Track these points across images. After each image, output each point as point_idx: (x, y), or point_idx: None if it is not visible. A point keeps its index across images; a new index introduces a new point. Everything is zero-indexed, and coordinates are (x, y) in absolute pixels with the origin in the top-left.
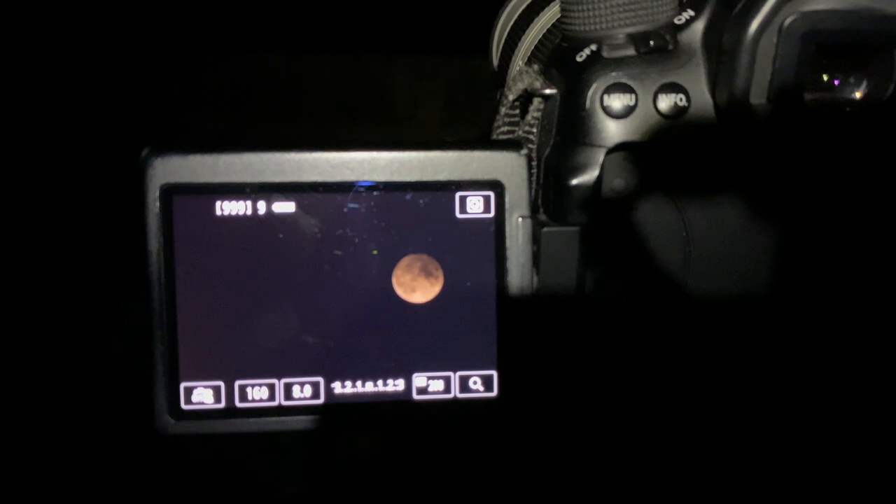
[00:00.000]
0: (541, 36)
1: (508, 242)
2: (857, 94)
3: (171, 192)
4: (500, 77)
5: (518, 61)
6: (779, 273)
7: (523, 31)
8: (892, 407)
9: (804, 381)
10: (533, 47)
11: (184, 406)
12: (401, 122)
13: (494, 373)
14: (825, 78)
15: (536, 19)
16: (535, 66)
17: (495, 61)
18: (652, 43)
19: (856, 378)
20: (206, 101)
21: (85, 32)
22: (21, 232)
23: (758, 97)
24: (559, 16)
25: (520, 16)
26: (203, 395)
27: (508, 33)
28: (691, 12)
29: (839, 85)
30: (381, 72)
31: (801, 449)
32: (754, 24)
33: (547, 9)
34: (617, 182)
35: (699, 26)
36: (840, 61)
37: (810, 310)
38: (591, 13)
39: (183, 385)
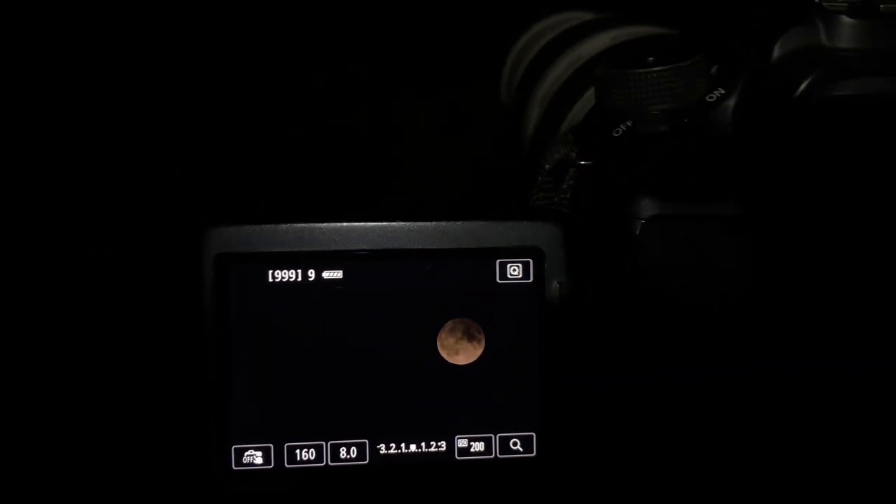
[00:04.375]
0: (560, 83)
1: (547, 307)
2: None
3: (225, 260)
4: (513, 113)
5: (535, 107)
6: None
7: (540, 75)
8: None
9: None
10: (552, 95)
11: (234, 467)
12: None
13: (534, 434)
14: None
15: (554, 64)
16: (570, 136)
17: (506, 97)
18: (685, 120)
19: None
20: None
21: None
22: (77, 293)
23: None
24: (577, 64)
25: (535, 57)
26: (253, 457)
27: (524, 73)
28: (722, 90)
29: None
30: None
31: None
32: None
33: (564, 55)
34: (653, 252)
35: (730, 104)
36: (865, 137)
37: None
38: (627, 90)
39: (234, 447)
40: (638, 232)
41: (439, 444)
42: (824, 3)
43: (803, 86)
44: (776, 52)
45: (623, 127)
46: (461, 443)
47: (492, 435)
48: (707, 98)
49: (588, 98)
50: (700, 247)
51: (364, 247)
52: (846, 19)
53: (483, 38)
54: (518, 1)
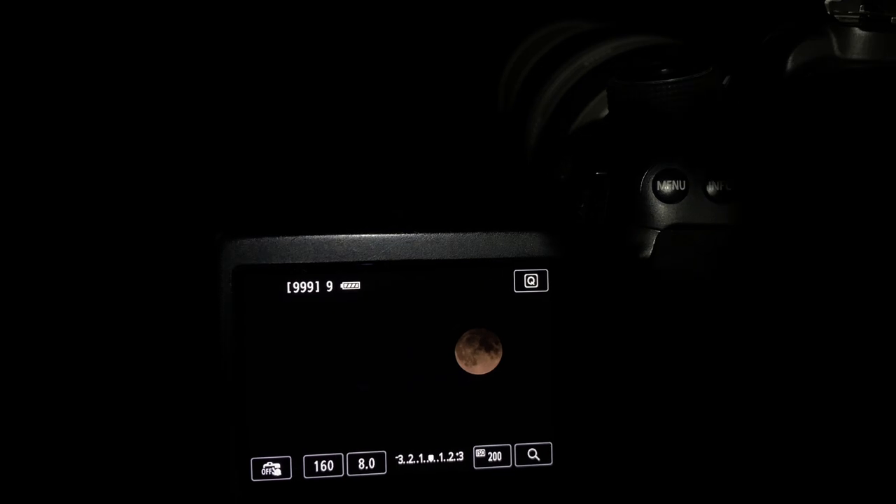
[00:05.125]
0: (563, 93)
1: (564, 316)
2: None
3: (242, 272)
4: (511, 121)
5: (538, 116)
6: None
7: (541, 84)
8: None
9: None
10: (555, 105)
11: (253, 479)
12: None
13: (551, 443)
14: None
15: (556, 74)
16: (582, 147)
17: (504, 105)
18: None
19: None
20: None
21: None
22: (93, 307)
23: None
24: (579, 74)
25: (535, 66)
26: (272, 469)
27: (524, 82)
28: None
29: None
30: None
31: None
32: None
33: (565, 65)
34: (668, 261)
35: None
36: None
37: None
38: (642, 101)
39: (253, 459)
40: (654, 241)
41: (457, 454)
42: (836, 16)
43: (816, 96)
44: (790, 64)
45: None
46: (479, 453)
47: (509, 445)
48: None
49: (592, 108)
50: (715, 256)
51: (382, 258)
52: (858, 32)
53: (481, 45)
54: (516, 9)
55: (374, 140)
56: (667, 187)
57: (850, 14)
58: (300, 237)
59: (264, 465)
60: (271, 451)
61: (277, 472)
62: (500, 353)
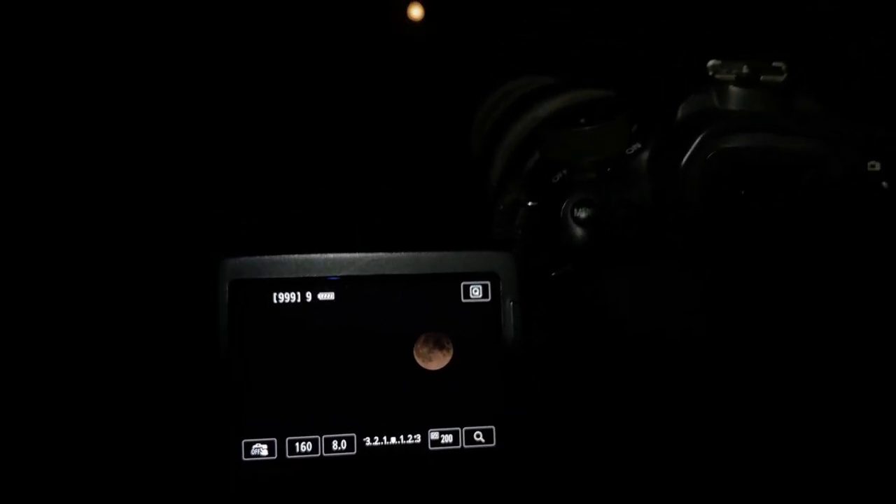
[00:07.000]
0: (520, 140)
1: (503, 321)
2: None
3: (237, 285)
4: (480, 165)
5: (500, 160)
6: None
7: (503, 133)
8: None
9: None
10: (513, 149)
11: (244, 458)
12: None
13: (493, 427)
14: (742, 192)
15: (516, 123)
16: (520, 183)
17: (476, 151)
18: (609, 169)
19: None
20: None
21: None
22: (111, 315)
23: (690, 208)
24: (534, 124)
25: (499, 118)
26: (260, 449)
27: (490, 130)
28: (639, 145)
29: (749, 197)
30: None
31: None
32: (685, 158)
33: (523, 116)
34: (586, 272)
35: (645, 156)
36: (749, 180)
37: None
38: (564, 145)
39: (244, 441)
40: (573, 258)
41: (415, 436)
42: (716, 76)
43: (699, 139)
44: (679, 114)
45: (560, 175)
46: (433, 435)
47: (459, 428)
48: (627, 151)
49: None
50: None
51: (352, 273)
52: (733, 88)
53: (455, 99)
54: (483, 68)
55: (350, 180)
56: (582, 214)
57: (727, 74)
58: (284, 256)
59: (253, 447)
60: (259, 434)
61: (264, 452)
62: (451, 351)
